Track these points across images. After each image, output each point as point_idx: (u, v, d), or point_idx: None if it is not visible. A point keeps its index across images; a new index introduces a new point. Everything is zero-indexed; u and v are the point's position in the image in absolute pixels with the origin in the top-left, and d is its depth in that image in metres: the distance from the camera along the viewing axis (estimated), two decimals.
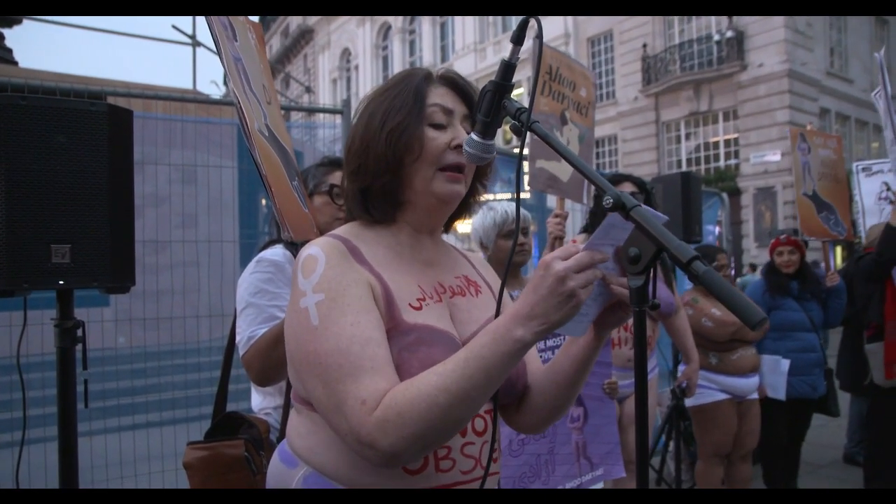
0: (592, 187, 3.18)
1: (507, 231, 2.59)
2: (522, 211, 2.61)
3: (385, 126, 1.06)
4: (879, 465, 3.83)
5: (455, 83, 1.13)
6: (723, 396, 3.60)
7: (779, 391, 3.76)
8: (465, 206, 1.20)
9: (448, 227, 1.23)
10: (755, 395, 3.72)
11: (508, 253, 2.52)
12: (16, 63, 7.64)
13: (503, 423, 1.23)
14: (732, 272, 4.16)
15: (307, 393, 0.99)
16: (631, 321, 3.09)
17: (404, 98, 1.08)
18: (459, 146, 1.05)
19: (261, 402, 1.90)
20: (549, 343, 2.38)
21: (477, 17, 25.86)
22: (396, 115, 1.06)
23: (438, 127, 1.08)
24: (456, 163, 1.06)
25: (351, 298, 0.96)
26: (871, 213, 4.82)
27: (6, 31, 7.82)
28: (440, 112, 1.08)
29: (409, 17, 30.05)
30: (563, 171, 2.97)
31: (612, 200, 0.88)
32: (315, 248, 1.02)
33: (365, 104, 1.13)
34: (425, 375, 0.90)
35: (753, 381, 3.67)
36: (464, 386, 0.87)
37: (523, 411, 1.17)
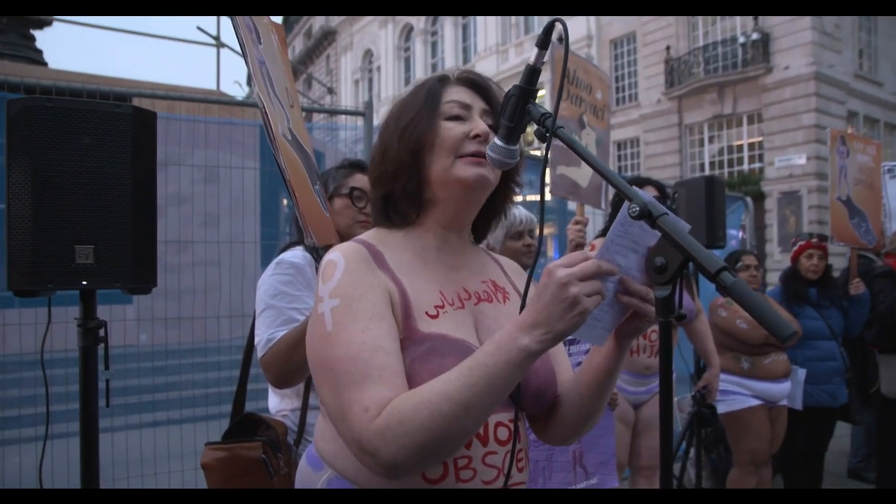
0: (609, 191, 3.16)
1: (514, 232, 2.58)
2: (525, 212, 2.60)
3: (399, 126, 1.07)
4: (892, 476, 3.77)
5: (472, 82, 1.13)
6: (755, 402, 3.54)
7: (796, 401, 3.70)
8: (500, 206, 1.17)
9: (482, 233, 1.20)
10: (785, 402, 3.66)
11: (518, 253, 2.54)
12: (45, 64, 7.80)
13: None
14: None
15: (320, 398, 0.99)
16: (649, 328, 3.04)
17: (417, 99, 1.10)
18: (478, 136, 1.05)
19: (278, 403, 1.90)
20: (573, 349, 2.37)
21: (499, 19, 25.80)
22: (408, 114, 1.08)
23: (455, 120, 1.08)
24: (476, 151, 1.05)
25: (365, 304, 0.96)
26: (894, 217, 4.69)
27: (37, 34, 7.98)
28: (457, 106, 1.08)
29: (431, 19, 30.08)
30: (583, 176, 2.95)
31: (638, 209, 0.86)
32: (335, 254, 1.02)
33: (385, 116, 1.15)
34: (430, 384, 0.89)
35: (785, 386, 3.61)
36: (466, 395, 0.85)
37: (552, 422, 1.15)
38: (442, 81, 1.12)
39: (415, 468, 0.90)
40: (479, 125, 1.07)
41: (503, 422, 1.02)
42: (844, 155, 4.30)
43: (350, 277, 0.98)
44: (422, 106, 1.08)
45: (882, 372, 3.83)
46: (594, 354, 1.07)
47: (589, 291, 0.85)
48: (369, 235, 1.11)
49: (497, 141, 1.00)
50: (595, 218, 4.45)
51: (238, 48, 1.65)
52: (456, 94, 1.10)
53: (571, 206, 5.33)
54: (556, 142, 0.98)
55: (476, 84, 1.13)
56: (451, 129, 1.06)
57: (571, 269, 0.86)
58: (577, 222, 2.82)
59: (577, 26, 21.96)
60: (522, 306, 0.99)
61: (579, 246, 2.78)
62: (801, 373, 3.70)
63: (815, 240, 3.89)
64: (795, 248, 3.95)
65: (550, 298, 0.86)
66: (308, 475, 1.07)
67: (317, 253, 1.79)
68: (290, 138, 1.73)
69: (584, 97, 3.03)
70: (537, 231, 2.56)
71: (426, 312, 1.01)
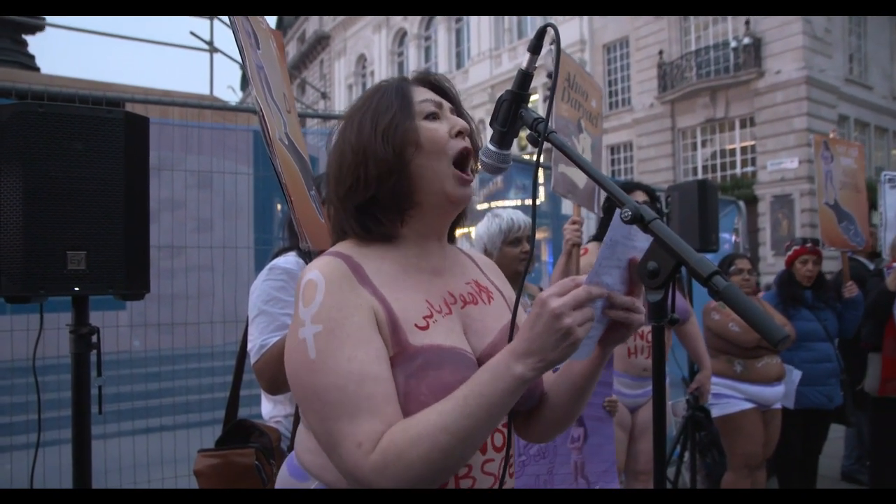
0: (601, 196, 3.18)
1: (512, 238, 2.57)
2: (523, 218, 2.60)
3: (378, 127, 1.03)
4: (885, 478, 3.81)
5: (431, 83, 1.12)
6: (748, 406, 3.55)
7: (788, 399, 3.72)
8: (464, 212, 1.15)
9: (451, 236, 1.18)
10: (779, 405, 3.68)
11: (515, 259, 2.54)
12: (37, 69, 7.76)
13: None
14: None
15: (307, 424, 0.97)
16: (646, 329, 3.03)
17: (388, 100, 1.06)
18: (461, 133, 1.04)
19: (271, 410, 1.89)
20: None
21: (493, 24, 25.87)
22: (386, 115, 1.03)
23: (433, 119, 1.05)
24: (464, 148, 1.04)
25: (350, 329, 0.93)
26: (892, 227, 4.73)
27: (29, 38, 7.95)
28: (431, 104, 1.06)
29: (424, 24, 30.13)
30: (581, 177, 2.97)
31: (630, 213, 0.86)
32: (315, 273, 0.97)
33: (345, 122, 1.09)
34: (424, 415, 0.88)
35: (778, 389, 3.62)
36: (464, 424, 0.86)
37: (533, 421, 1.15)
38: (404, 81, 1.10)
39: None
40: (458, 121, 1.06)
41: (498, 427, 1.02)
42: (829, 160, 4.39)
43: (332, 300, 0.94)
44: (397, 106, 1.04)
45: (869, 370, 3.90)
46: (575, 362, 1.07)
47: (581, 320, 0.86)
48: (346, 247, 1.05)
49: (490, 146, 1.00)
50: (589, 221, 4.46)
51: (233, 53, 1.65)
52: (425, 94, 1.08)
53: (565, 210, 5.35)
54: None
55: (434, 85, 1.12)
56: (434, 130, 1.03)
57: (564, 300, 0.86)
58: (573, 222, 2.84)
59: (571, 31, 22.06)
60: (512, 323, 0.98)
61: (576, 245, 2.79)
62: (797, 374, 3.72)
63: (809, 244, 3.91)
64: (790, 252, 3.98)
65: (543, 329, 0.86)
66: (291, 486, 1.04)
67: (310, 258, 1.79)
68: (286, 143, 1.74)
69: (581, 102, 3.06)
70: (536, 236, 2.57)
71: (415, 324, 0.98)
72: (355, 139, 1.04)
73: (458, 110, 1.11)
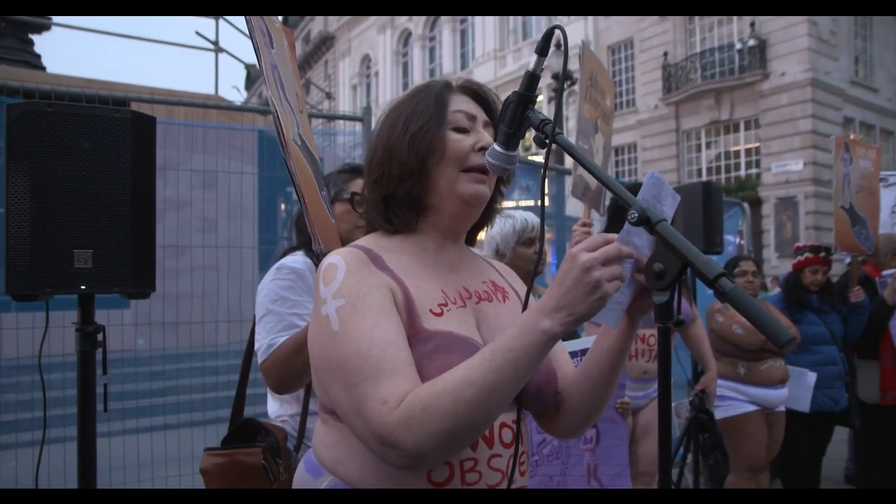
0: (607, 196, 3.18)
1: (526, 238, 2.57)
2: (535, 217, 2.59)
3: (408, 131, 1.07)
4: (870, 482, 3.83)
5: (475, 92, 1.15)
6: (752, 408, 3.55)
7: (803, 403, 3.71)
8: (488, 215, 1.19)
9: (472, 239, 1.22)
10: (783, 408, 3.66)
11: (529, 260, 2.53)
12: (44, 69, 7.80)
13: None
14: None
15: (330, 400, 0.99)
16: (646, 333, 2.99)
17: (425, 104, 1.10)
18: (484, 148, 1.07)
19: (278, 409, 1.89)
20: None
21: (497, 25, 25.87)
22: (418, 121, 1.08)
23: (462, 131, 1.09)
24: (480, 164, 1.06)
25: (371, 302, 0.96)
26: (884, 226, 4.69)
27: (35, 38, 7.99)
28: (463, 116, 1.10)
29: (429, 25, 30.14)
30: (591, 177, 2.98)
31: (637, 215, 0.87)
32: (335, 258, 1.02)
33: (385, 115, 1.15)
34: (450, 372, 0.89)
35: (782, 392, 3.61)
36: (491, 378, 0.86)
37: (561, 414, 1.15)
38: (447, 88, 1.14)
39: (439, 457, 0.90)
40: (485, 137, 1.09)
41: (507, 423, 1.02)
42: (848, 162, 4.29)
43: (353, 278, 0.98)
44: (431, 114, 1.09)
45: (859, 377, 3.88)
46: (604, 337, 1.08)
47: (609, 276, 0.87)
48: (366, 241, 1.10)
49: (496, 147, 1.01)
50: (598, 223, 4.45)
51: (238, 53, 1.66)
52: (462, 104, 1.11)
53: (568, 211, 5.35)
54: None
55: (478, 95, 1.15)
56: (459, 142, 1.07)
57: (594, 254, 0.88)
58: (584, 224, 2.83)
59: (575, 32, 22.03)
60: (524, 310, 1.00)
61: None
62: (812, 377, 3.69)
63: (822, 255, 3.87)
64: (802, 258, 3.92)
65: (573, 283, 0.87)
66: (307, 482, 1.06)
67: (317, 258, 1.79)
68: (299, 143, 1.74)
69: (599, 101, 3.05)
70: (546, 237, 2.56)
71: (430, 310, 1.01)
72: (386, 137, 1.11)
73: (495, 122, 1.12)
